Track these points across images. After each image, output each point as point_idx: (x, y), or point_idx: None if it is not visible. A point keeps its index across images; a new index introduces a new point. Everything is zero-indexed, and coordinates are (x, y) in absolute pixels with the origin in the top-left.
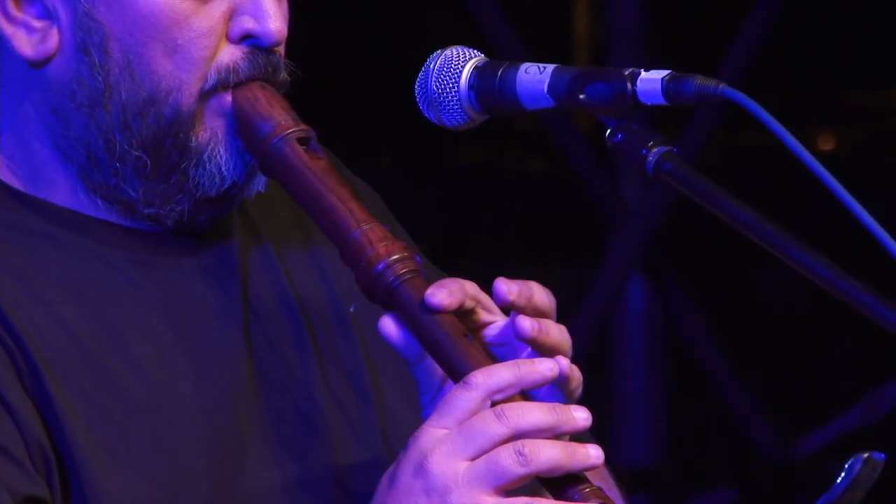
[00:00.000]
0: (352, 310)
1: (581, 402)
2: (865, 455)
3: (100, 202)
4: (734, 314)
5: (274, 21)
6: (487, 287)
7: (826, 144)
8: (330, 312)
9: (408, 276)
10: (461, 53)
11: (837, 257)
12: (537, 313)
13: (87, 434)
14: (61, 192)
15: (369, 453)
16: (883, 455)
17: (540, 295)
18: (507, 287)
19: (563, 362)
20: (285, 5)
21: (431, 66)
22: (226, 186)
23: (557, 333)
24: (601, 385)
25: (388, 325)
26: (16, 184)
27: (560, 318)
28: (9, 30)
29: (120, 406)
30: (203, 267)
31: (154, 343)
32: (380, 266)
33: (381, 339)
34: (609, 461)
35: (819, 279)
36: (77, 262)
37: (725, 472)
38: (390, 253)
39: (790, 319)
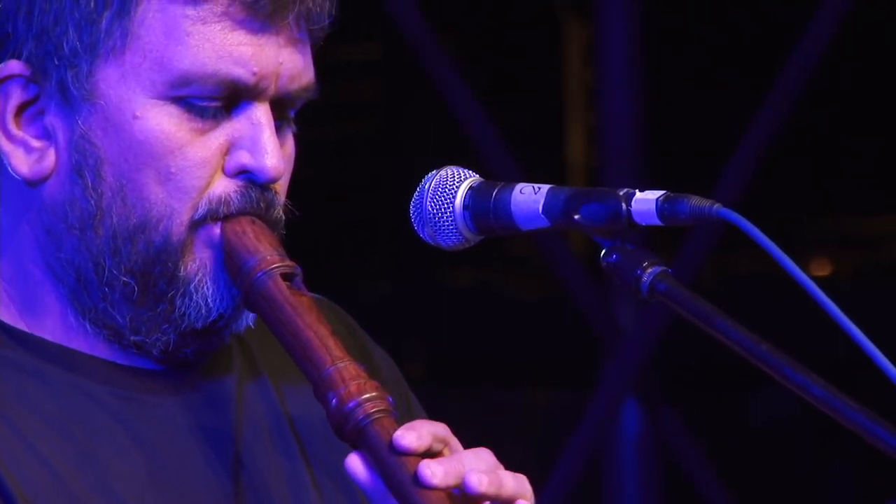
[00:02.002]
0: None
1: None
2: None
3: (88, 326)
4: (729, 438)
5: (270, 158)
6: (475, 413)
7: (821, 270)
8: (329, 439)
9: (377, 415)
10: (456, 174)
11: (834, 381)
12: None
13: None
14: (53, 318)
15: None
16: None
17: (509, 482)
18: (478, 479)
19: None
20: (290, 144)
21: (426, 187)
22: (212, 318)
23: (514, 484)
24: None
25: (355, 464)
26: (8, 315)
27: (553, 445)
28: (7, 147)
29: None
30: (195, 405)
31: (138, 482)
32: (350, 404)
33: None
34: None
35: (815, 400)
36: (65, 400)
37: None
38: (361, 392)
39: (786, 443)
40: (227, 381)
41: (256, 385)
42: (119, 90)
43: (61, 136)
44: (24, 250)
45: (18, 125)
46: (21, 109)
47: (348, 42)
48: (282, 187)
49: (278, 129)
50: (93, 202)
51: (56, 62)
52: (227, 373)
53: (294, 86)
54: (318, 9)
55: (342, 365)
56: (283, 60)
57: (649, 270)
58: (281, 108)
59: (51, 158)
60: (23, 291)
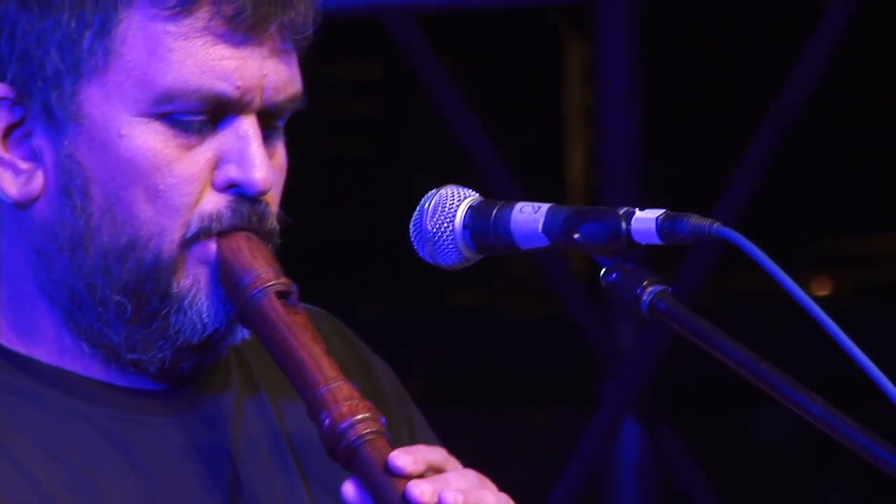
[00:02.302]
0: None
1: None
2: None
3: (85, 347)
4: (729, 458)
5: (259, 170)
6: (474, 433)
7: (821, 289)
8: (327, 457)
9: (370, 436)
10: (456, 193)
11: (834, 400)
12: None
13: None
14: (49, 340)
15: None
16: None
17: (489, 500)
18: (454, 497)
19: None
20: (280, 155)
21: (426, 206)
22: (207, 334)
23: (493, 501)
24: None
25: (348, 489)
26: (4, 338)
27: (552, 465)
28: None
29: None
30: (192, 424)
31: None
32: (343, 425)
33: None
34: None
35: (815, 419)
36: (61, 422)
37: None
38: (354, 412)
39: (786, 463)
40: (224, 398)
41: (254, 401)
42: (103, 109)
43: (48, 158)
44: (17, 273)
45: (6, 148)
46: (8, 132)
47: (348, 60)
48: (274, 199)
49: (267, 140)
50: (82, 222)
51: (40, 83)
52: (224, 389)
53: (280, 97)
54: (302, 18)
55: (335, 385)
56: (268, 72)
57: (649, 289)
58: (268, 119)
59: (39, 180)
60: (17, 314)
